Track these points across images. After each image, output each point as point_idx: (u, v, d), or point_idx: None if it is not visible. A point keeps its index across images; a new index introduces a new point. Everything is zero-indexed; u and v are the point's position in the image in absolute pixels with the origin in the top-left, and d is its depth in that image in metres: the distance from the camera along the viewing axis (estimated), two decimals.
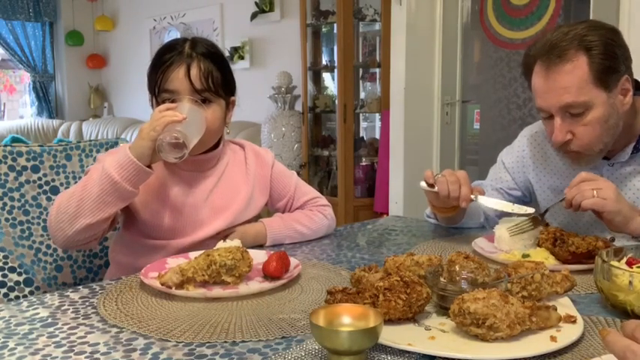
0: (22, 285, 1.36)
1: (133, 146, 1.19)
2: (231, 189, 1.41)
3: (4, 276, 1.34)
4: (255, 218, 1.46)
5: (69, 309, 0.99)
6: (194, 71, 1.29)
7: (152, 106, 1.35)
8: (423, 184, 1.37)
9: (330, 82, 4.58)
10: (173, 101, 1.29)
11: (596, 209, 1.24)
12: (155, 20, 5.97)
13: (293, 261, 1.16)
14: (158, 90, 1.32)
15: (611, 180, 1.39)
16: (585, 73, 1.26)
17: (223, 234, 1.37)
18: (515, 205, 1.36)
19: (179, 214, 1.35)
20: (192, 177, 1.38)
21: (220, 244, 1.18)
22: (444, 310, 0.92)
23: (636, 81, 1.35)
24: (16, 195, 1.43)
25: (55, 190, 1.49)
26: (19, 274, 1.36)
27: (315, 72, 4.45)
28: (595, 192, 1.21)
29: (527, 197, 1.59)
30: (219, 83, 1.33)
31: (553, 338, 0.82)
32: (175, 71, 1.29)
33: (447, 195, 1.32)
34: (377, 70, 4.25)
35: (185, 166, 1.36)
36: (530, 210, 1.33)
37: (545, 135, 1.51)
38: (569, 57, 1.27)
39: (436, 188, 1.34)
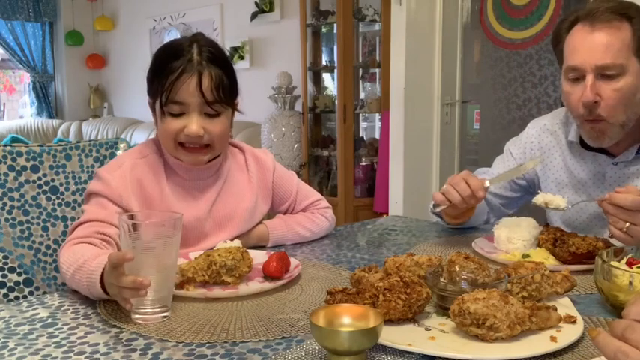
0: (22, 285, 1.36)
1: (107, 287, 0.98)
2: (234, 198, 1.38)
3: (4, 276, 1.34)
4: None
5: (69, 309, 0.99)
6: (205, 82, 1.23)
7: (153, 110, 1.31)
8: (437, 208, 1.37)
9: (330, 82, 4.58)
10: (182, 114, 1.24)
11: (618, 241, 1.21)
12: (155, 20, 5.97)
13: (293, 261, 1.16)
14: (166, 100, 1.25)
15: (614, 179, 1.40)
16: (628, 37, 1.28)
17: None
18: (522, 166, 1.43)
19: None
20: (195, 187, 1.34)
21: (220, 245, 1.18)
22: (444, 310, 0.92)
23: None
24: (16, 195, 1.43)
25: (55, 190, 1.49)
26: (19, 274, 1.36)
27: (315, 72, 4.45)
28: (627, 225, 1.16)
29: (531, 188, 1.59)
30: (228, 91, 1.28)
31: (553, 338, 0.82)
32: (186, 83, 1.22)
33: (461, 199, 1.31)
34: (377, 70, 4.25)
35: (187, 174, 1.33)
36: (536, 161, 1.41)
37: (556, 123, 1.52)
38: (616, 19, 1.29)
39: (448, 203, 1.34)
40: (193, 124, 1.24)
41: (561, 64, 1.39)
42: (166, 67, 1.23)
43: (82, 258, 1.06)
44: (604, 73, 1.28)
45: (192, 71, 1.22)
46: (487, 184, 1.34)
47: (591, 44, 1.29)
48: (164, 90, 1.23)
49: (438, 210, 1.38)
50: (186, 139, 1.25)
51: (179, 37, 1.34)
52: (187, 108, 1.24)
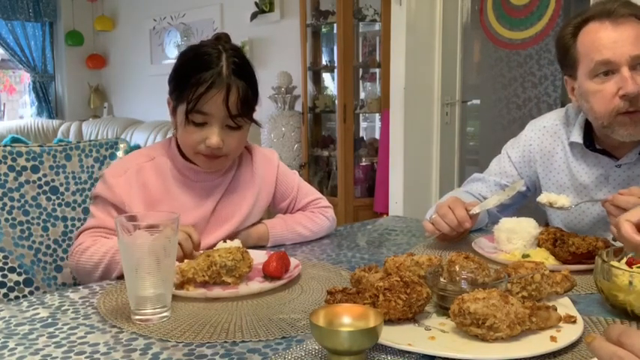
0: (22, 285, 1.36)
1: None
2: (237, 196, 1.39)
3: (4, 276, 1.34)
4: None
5: (69, 309, 0.99)
6: (232, 98, 1.24)
7: (172, 111, 1.32)
8: (428, 234, 1.37)
9: (330, 82, 4.58)
10: (204, 123, 1.26)
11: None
12: (155, 20, 5.97)
13: (293, 261, 1.17)
14: (191, 109, 1.25)
15: (618, 182, 1.39)
16: None
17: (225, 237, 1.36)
18: (506, 189, 1.44)
19: (186, 224, 1.33)
20: (202, 187, 1.36)
21: (221, 245, 1.18)
22: (444, 310, 0.92)
23: None
24: (16, 195, 1.43)
25: (55, 190, 1.49)
26: (19, 274, 1.36)
27: (315, 72, 4.45)
28: None
29: (530, 191, 1.59)
30: (253, 106, 1.30)
31: (553, 338, 0.82)
32: (214, 97, 1.24)
33: (449, 229, 1.33)
34: (377, 70, 4.25)
35: (195, 176, 1.35)
36: (520, 183, 1.43)
37: (556, 124, 1.51)
38: (634, 16, 1.29)
39: (438, 232, 1.35)
40: (214, 136, 1.26)
41: (573, 70, 1.38)
42: (194, 77, 1.24)
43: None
44: (638, 63, 1.28)
45: (221, 85, 1.24)
46: (475, 211, 1.34)
47: (621, 36, 1.29)
48: (191, 100, 1.24)
49: (430, 239, 1.39)
50: (206, 150, 1.28)
51: (204, 40, 1.34)
52: (211, 119, 1.26)
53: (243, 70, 1.28)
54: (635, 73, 1.28)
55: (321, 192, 1.64)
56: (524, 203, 1.63)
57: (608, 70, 1.30)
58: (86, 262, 1.23)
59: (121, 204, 1.28)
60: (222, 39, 1.33)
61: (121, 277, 1.16)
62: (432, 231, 1.35)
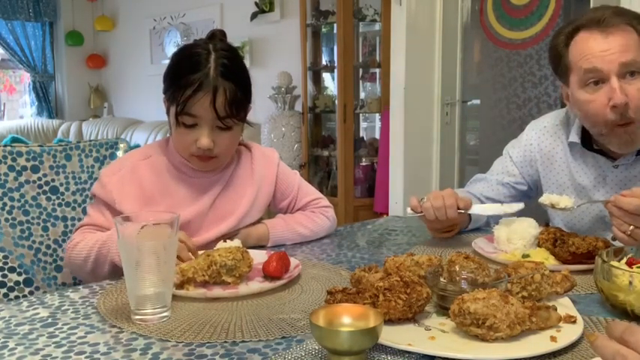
0: (22, 285, 1.36)
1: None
2: (236, 194, 1.40)
3: (4, 276, 1.34)
4: (258, 219, 1.46)
5: (69, 309, 0.99)
6: (219, 100, 1.24)
7: (167, 111, 1.32)
8: (410, 211, 1.38)
9: (330, 82, 4.58)
10: (194, 125, 1.27)
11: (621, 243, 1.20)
12: (155, 20, 5.97)
13: (293, 261, 1.16)
14: (180, 111, 1.26)
15: (615, 182, 1.39)
16: (639, 39, 1.28)
17: (225, 237, 1.36)
18: (505, 204, 1.40)
19: (184, 220, 1.34)
20: (200, 183, 1.37)
21: (220, 245, 1.18)
22: (444, 310, 0.92)
23: None
24: (16, 195, 1.43)
25: (55, 190, 1.49)
26: (19, 274, 1.36)
27: (315, 72, 4.45)
28: (631, 228, 1.16)
29: (532, 191, 1.59)
30: (242, 106, 1.30)
31: (553, 338, 0.82)
32: (201, 99, 1.24)
33: (435, 220, 1.33)
34: (377, 70, 4.25)
35: (192, 173, 1.36)
36: (520, 206, 1.38)
37: (557, 124, 1.51)
38: (625, 24, 1.28)
39: (419, 211, 1.35)
40: (204, 138, 1.27)
41: (566, 78, 1.37)
42: (183, 79, 1.25)
43: (105, 235, 1.24)
44: (628, 72, 1.27)
45: (208, 88, 1.24)
46: (465, 211, 1.35)
47: (610, 45, 1.27)
48: (179, 103, 1.25)
49: (409, 213, 1.39)
50: (197, 151, 1.29)
51: (197, 39, 1.34)
52: (200, 121, 1.27)
53: (232, 71, 1.28)
54: (624, 82, 1.27)
55: (321, 192, 1.64)
56: (528, 203, 1.63)
57: (597, 79, 1.29)
58: (76, 257, 1.25)
59: (111, 202, 1.30)
60: (216, 36, 1.33)
61: (121, 276, 1.16)
62: (415, 207, 1.36)
